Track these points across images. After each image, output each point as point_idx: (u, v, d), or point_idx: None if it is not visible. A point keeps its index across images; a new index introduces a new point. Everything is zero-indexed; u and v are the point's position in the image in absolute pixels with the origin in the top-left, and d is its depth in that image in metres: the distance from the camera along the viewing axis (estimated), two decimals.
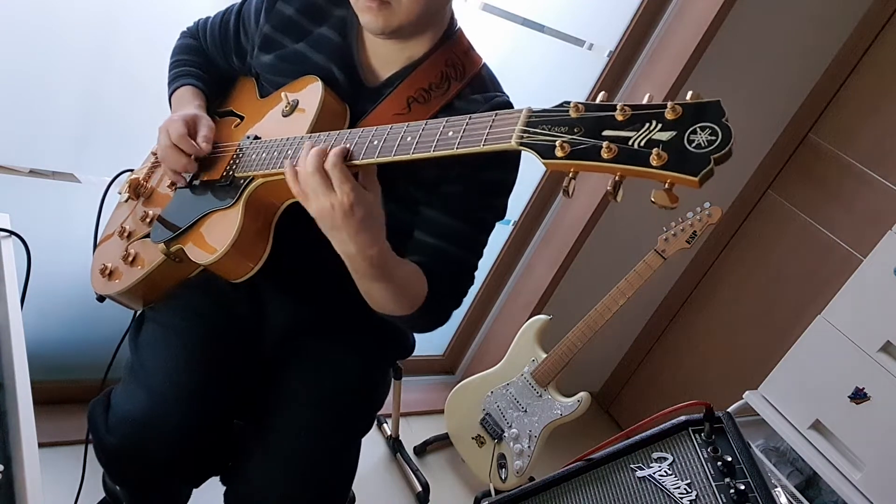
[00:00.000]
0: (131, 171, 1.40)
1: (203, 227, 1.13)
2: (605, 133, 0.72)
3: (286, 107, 1.14)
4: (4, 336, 0.95)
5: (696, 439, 1.28)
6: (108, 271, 1.25)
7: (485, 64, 1.20)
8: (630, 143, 0.70)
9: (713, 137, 0.67)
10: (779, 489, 1.31)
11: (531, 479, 1.97)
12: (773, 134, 2.41)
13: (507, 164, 1.14)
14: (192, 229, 1.14)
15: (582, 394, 1.96)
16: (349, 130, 0.97)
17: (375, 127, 0.94)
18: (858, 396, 1.67)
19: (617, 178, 0.71)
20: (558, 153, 0.73)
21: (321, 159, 0.91)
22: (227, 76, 1.35)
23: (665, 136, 0.69)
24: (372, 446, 2.15)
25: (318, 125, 1.08)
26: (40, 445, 0.81)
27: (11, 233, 1.10)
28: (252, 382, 1.23)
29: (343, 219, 0.91)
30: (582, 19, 2.03)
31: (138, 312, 1.28)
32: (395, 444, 2.17)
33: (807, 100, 2.35)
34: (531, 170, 1.18)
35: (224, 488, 1.23)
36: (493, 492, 2.03)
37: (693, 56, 2.01)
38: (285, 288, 1.21)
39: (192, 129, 1.16)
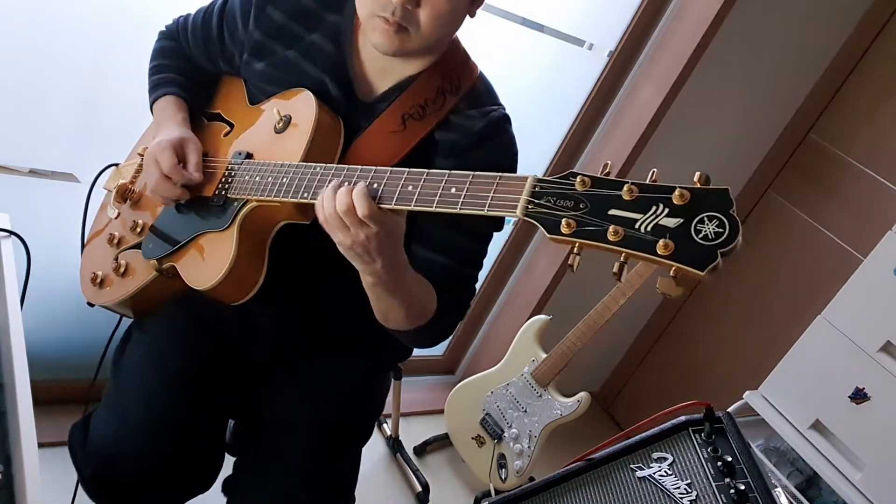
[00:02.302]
0: (117, 165, 1.37)
1: (196, 248, 1.12)
2: (612, 212, 0.72)
3: (279, 122, 1.12)
4: (4, 336, 0.94)
5: (696, 439, 1.28)
6: (98, 280, 1.24)
7: (481, 74, 1.18)
8: (636, 226, 0.70)
9: (720, 230, 0.67)
10: (779, 489, 1.31)
11: (531, 479, 1.97)
12: (773, 134, 2.41)
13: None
14: (184, 248, 1.13)
15: (582, 394, 1.96)
16: (349, 167, 0.96)
17: (374, 168, 0.93)
18: (858, 396, 1.66)
19: (622, 259, 0.71)
20: (564, 230, 0.73)
21: (349, 201, 0.89)
22: (211, 77, 1.31)
23: (672, 222, 0.69)
24: (372, 446, 2.13)
25: (314, 143, 1.06)
26: (40, 445, 0.81)
27: (11, 233, 1.10)
28: (247, 388, 1.22)
29: (374, 248, 0.91)
30: (582, 19, 2.03)
31: (127, 322, 1.28)
32: (395, 444, 2.17)
33: (807, 100, 2.35)
34: (527, 167, 1.18)
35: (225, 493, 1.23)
36: (493, 492, 2.03)
37: (693, 56, 2.01)
38: (280, 298, 1.18)
39: (180, 154, 1.13)
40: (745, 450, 1.24)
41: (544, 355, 2.02)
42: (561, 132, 2.22)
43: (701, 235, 0.67)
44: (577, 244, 0.73)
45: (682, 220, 0.68)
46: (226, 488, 1.23)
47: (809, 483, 1.92)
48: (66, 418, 1.21)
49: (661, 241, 0.68)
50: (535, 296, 2.34)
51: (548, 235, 0.75)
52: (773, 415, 1.80)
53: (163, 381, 1.12)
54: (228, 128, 1.23)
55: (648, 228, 0.69)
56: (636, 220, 0.70)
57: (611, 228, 0.71)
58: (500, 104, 1.17)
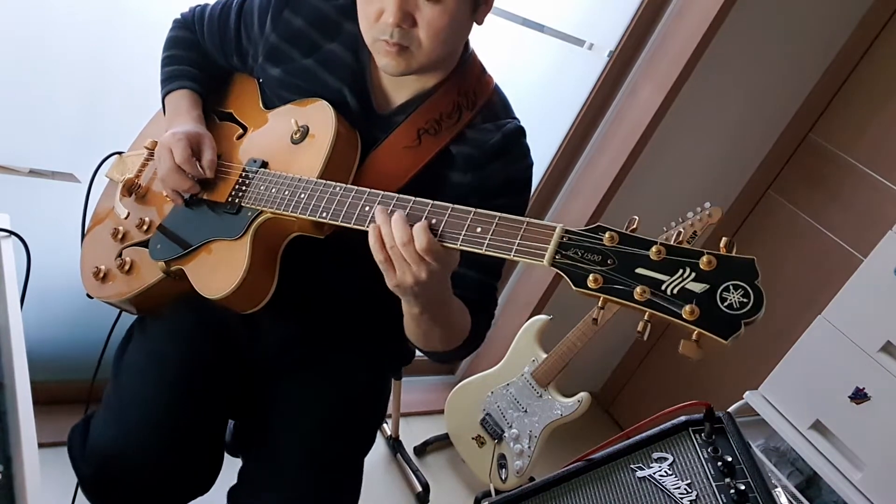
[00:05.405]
0: (120, 153, 1.36)
1: (207, 254, 1.11)
2: (639, 271, 0.73)
3: (296, 133, 1.11)
4: (4, 336, 0.94)
5: (696, 439, 1.28)
6: (101, 274, 1.22)
7: (496, 87, 1.18)
8: (663, 288, 0.71)
9: (745, 300, 0.68)
10: (779, 489, 1.31)
11: (531, 479, 1.97)
12: (773, 134, 2.41)
13: (523, 190, 1.15)
14: (194, 252, 1.11)
15: (582, 394, 1.96)
16: (371, 191, 0.95)
17: (397, 196, 0.92)
18: (858, 396, 1.66)
19: (646, 318, 0.72)
20: (591, 285, 0.74)
21: (410, 236, 0.87)
22: (224, 71, 1.30)
23: (698, 287, 0.70)
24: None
25: (332, 156, 1.06)
26: (40, 445, 0.81)
27: (11, 233, 1.10)
28: (248, 391, 1.21)
29: (429, 284, 0.90)
30: (582, 19, 2.03)
31: (126, 321, 1.27)
32: (395, 444, 2.17)
33: (807, 100, 2.35)
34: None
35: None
36: (493, 492, 2.03)
37: (693, 56, 2.01)
38: (286, 306, 1.16)
39: (195, 149, 1.13)
40: (745, 450, 1.24)
41: (544, 355, 2.02)
42: (561, 132, 2.22)
43: (726, 304, 0.69)
44: (603, 299, 0.74)
45: (708, 287, 0.70)
46: (230, 497, 1.22)
47: (809, 483, 1.92)
48: (66, 418, 1.21)
49: (687, 307, 0.69)
50: (535, 296, 2.34)
51: (574, 288, 0.75)
52: (773, 415, 1.80)
53: (163, 383, 1.12)
54: (241, 130, 1.22)
55: (675, 291, 0.71)
56: (663, 282, 0.71)
57: (638, 288, 0.72)
58: (516, 117, 1.17)
